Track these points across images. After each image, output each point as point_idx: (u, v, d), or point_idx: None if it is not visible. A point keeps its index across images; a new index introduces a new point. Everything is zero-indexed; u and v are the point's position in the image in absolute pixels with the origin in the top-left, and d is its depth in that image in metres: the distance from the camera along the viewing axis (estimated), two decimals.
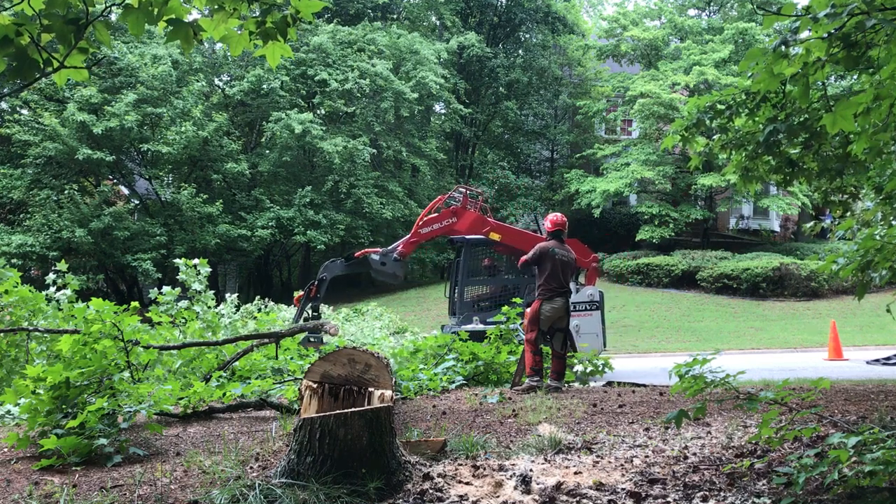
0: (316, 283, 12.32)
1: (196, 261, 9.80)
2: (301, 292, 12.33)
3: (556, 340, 7.70)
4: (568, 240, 13.33)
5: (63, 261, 9.06)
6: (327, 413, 3.76)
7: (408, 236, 12.71)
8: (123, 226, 23.40)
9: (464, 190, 13.11)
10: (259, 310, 14.30)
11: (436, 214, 12.68)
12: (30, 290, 7.64)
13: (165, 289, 9.12)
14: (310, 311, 11.83)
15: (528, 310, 7.91)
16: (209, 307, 9.31)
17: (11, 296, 7.44)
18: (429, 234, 12.72)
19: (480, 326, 11.48)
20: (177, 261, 10.17)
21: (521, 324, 8.67)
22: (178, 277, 9.96)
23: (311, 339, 10.30)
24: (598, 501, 3.51)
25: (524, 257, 8.01)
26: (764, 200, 26.97)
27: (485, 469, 4.01)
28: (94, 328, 5.31)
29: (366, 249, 12.99)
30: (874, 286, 6.69)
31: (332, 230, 26.22)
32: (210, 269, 10.02)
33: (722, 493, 3.54)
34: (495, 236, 12.43)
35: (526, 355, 7.58)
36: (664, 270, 25.68)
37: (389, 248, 12.71)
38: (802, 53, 4.42)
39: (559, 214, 8.20)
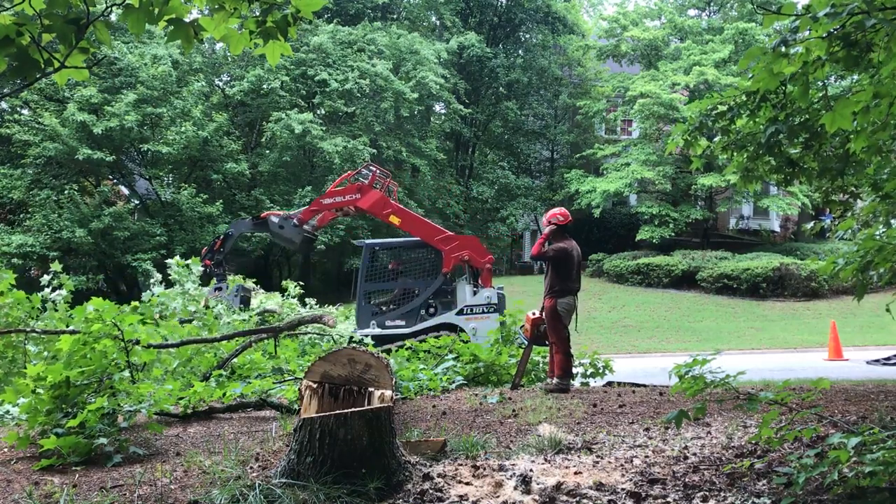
0: (222, 237, 12.98)
1: (189, 260, 9.82)
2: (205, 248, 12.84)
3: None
4: (465, 237, 13.28)
5: (58, 261, 9.06)
6: (327, 413, 3.76)
7: (310, 204, 13.10)
8: (123, 226, 23.41)
9: (374, 168, 13.23)
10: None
11: (342, 188, 12.82)
12: (26, 297, 7.59)
13: (157, 289, 9.13)
14: (212, 268, 12.32)
15: (532, 314, 7.86)
16: (208, 307, 9.32)
17: (7, 297, 7.42)
18: (330, 205, 12.81)
19: (377, 331, 11.36)
20: (168, 260, 10.21)
21: (521, 327, 8.64)
22: (169, 277, 9.99)
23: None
24: (598, 501, 3.50)
25: (546, 251, 7.61)
26: (764, 200, 26.97)
27: (485, 469, 4.01)
28: (94, 328, 5.31)
29: (270, 212, 13.31)
30: (874, 286, 6.69)
31: (332, 230, 26.22)
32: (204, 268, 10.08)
33: (722, 493, 3.54)
34: (395, 220, 12.47)
35: (555, 356, 7.43)
36: (664, 270, 25.67)
37: (291, 213, 13.01)
38: (802, 52, 4.42)
39: (563, 208, 8.11)
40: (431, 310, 12.08)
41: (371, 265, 12.55)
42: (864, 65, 4.53)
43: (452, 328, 11.53)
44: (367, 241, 13.01)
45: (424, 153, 29.81)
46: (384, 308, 12.35)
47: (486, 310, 11.77)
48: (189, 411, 5.95)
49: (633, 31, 30.13)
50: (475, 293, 11.98)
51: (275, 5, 3.63)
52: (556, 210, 7.94)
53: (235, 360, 7.43)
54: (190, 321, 8.72)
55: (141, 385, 5.48)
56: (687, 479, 3.82)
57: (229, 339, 7.51)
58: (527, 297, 17.83)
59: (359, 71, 27.07)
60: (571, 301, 7.57)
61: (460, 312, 11.86)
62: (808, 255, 25.64)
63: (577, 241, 7.87)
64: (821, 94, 5.52)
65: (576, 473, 3.97)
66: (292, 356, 8.02)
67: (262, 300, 12.91)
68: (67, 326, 6.75)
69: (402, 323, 11.96)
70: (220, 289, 12.03)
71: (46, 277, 8.84)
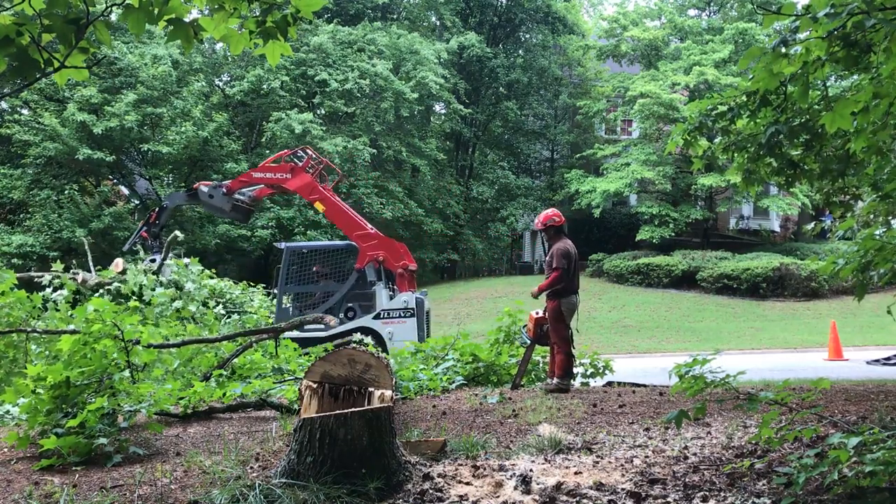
0: (157, 210, 13.27)
1: (187, 259, 9.81)
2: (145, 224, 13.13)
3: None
4: (385, 239, 13.23)
5: (59, 261, 9.05)
6: (327, 413, 3.76)
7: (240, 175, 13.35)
8: (123, 226, 23.40)
9: (310, 152, 13.40)
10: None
11: (276, 165, 13.01)
12: (27, 297, 7.61)
13: (159, 290, 9.12)
14: (149, 240, 12.54)
15: (535, 313, 7.86)
16: (207, 306, 9.31)
17: (8, 297, 7.43)
18: (259, 180, 12.95)
19: (296, 334, 11.14)
20: (167, 261, 10.20)
21: (524, 326, 8.62)
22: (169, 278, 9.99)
23: None
24: (598, 501, 3.50)
25: (558, 266, 7.51)
26: (764, 200, 26.95)
27: (485, 469, 4.01)
28: (94, 328, 5.31)
29: (201, 182, 13.54)
30: (874, 286, 6.69)
31: (333, 230, 26.21)
32: (201, 268, 10.06)
33: (722, 493, 3.54)
34: (320, 206, 12.58)
35: (557, 357, 7.44)
36: (664, 270, 25.66)
37: (221, 182, 13.27)
38: (802, 53, 4.43)
39: (555, 209, 8.08)
40: (350, 313, 12.06)
41: (291, 268, 12.50)
42: (863, 65, 4.53)
43: (370, 332, 11.52)
44: (288, 244, 13.11)
45: (424, 153, 29.80)
46: (303, 311, 12.20)
47: (402, 314, 11.78)
48: (189, 411, 5.96)
49: (633, 31, 30.11)
50: (392, 297, 12.00)
51: (275, 5, 3.63)
52: (549, 212, 7.93)
53: (236, 359, 7.43)
54: (193, 320, 8.73)
55: (141, 385, 5.48)
56: (687, 479, 3.82)
57: (230, 340, 7.51)
58: (527, 297, 17.80)
59: (359, 71, 27.07)
60: (574, 300, 7.61)
61: (377, 316, 11.87)
62: (808, 256, 25.63)
63: (577, 241, 7.85)
64: (821, 95, 5.53)
65: (576, 473, 3.97)
66: (292, 356, 8.03)
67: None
68: (68, 326, 6.76)
69: (322, 326, 11.94)
70: (153, 260, 12.14)
71: (47, 277, 8.85)
